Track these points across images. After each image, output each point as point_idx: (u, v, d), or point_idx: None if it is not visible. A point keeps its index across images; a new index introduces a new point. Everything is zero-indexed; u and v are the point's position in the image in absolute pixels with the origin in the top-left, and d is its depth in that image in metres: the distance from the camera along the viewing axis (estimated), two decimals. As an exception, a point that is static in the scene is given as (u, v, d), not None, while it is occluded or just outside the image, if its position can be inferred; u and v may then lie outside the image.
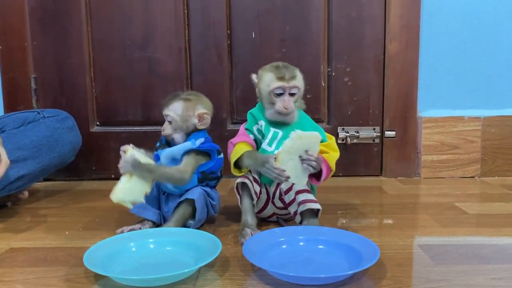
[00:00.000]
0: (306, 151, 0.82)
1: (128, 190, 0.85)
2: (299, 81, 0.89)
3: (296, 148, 0.82)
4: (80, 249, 0.82)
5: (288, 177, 0.82)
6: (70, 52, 1.41)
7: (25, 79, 1.41)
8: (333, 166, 0.88)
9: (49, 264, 0.77)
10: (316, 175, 0.87)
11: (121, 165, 0.87)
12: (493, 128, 1.40)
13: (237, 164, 0.91)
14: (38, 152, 1.12)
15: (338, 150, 0.91)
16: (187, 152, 0.92)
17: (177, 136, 0.94)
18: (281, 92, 0.88)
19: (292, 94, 0.89)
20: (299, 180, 0.84)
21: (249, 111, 0.96)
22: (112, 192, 0.85)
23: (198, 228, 0.89)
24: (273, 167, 0.82)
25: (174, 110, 0.93)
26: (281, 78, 0.88)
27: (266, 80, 0.90)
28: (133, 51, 1.41)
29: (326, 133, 0.92)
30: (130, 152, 0.87)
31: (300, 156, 0.82)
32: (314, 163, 0.82)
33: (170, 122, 0.93)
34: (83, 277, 0.71)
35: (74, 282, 0.69)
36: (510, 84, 1.41)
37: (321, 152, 0.87)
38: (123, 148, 0.89)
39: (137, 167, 0.86)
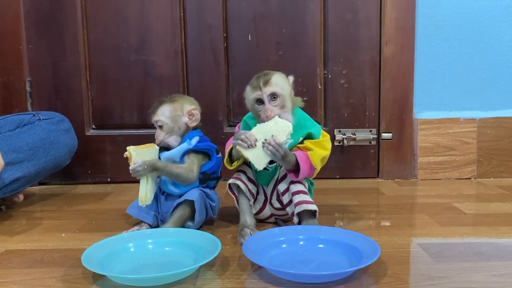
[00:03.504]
0: (272, 135, 0.83)
1: (150, 191, 0.89)
2: (275, 86, 0.86)
3: (266, 129, 0.84)
4: (77, 250, 0.81)
5: (256, 141, 0.83)
6: (65, 55, 1.41)
7: (20, 82, 1.40)
8: (316, 164, 0.87)
9: (46, 265, 0.76)
10: (295, 171, 0.87)
11: (134, 172, 0.87)
12: (488, 130, 1.41)
13: (231, 160, 0.92)
14: (33, 155, 1.10)
15: (329, 148, 0.90)
16: (186, 153, 0.91)
17: (172, 140, 0.94)
18: (260, 100, 0.87)
19: (273, 98, 0.86)
20: (258, 160, 0.84)
21: (243, 118, 0.96)
22: (140, 199, 0.89)
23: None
24: (245, 132, 0.84)
25: (163, 113, 0.93)
26: (255, 88, 0.87)
27: (246, 95, 0.90)
28: (129, 54, 1.41)
29: (322, 131, 0.92)
30: (134, 159, 0.87)
31: (265, 139, 0.83)
32: (270, 147, 0.82)
33: (161, 127, 0.93)
34: (81, 277, 0.70)
35: (72, 282, 0.68)
36: (504, 86, 1.42)
37: (306, 148, 0.87)
38: (125, 153, 0.89)
39: (148, 170, 0.87)
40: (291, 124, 0.84)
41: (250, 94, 0.88)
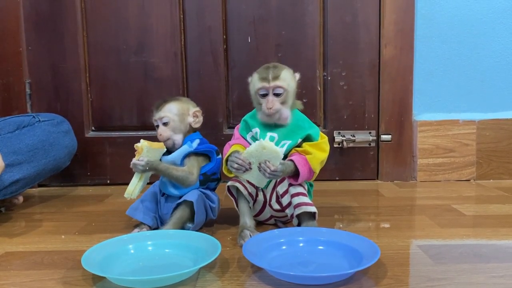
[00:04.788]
0: (266, 161, 0.83)
1: (139, 187, 0.90)
2: (283, 81, 0.88)
3: (257, 155, 0.84)
4: (77, 252, 0.81)
5: (250, 164, 0.84)
6: (65, 57, 1.41)
7: (20, 84, 1.40)
8: (315, 168, 0.87)
9: (45, 267, 0.76)
10: (294, 175, 0.88)
11: (134, 167, 0.88)
12: (487, 131, 1.41)
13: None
14: (33, 156, 1.10)
15: (327, 150, 0.90)
16: (187, 155, 0.91)
17: (177, 138, 0.93)
18: (265, 92, 0.88)
19: (277, 95, 0.88)
20: (258, 180, 0.87)
21: (243, 118, 0.96)
22: (127, 191, 0.88)
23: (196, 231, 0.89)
24: (238, 156, 0.85)
25: (170, 110, 0.93)
26: (263, 79, 0.88)
27: (253, 81, 0.91)
28: (128, 56, 1.41)
29: (320, 133, 0.92)
30: (142, 155, 0.88)
31: (259, 163, 0.84)
32: (267, 174, 0.83)
33: (166, 124, 0.93)
34: (80, 279, 0.70)
35: (72, 284, 0.68)
36: (503, 88, 1.43)
37: (305, 152, 0.88)
38: (137, 145, 0.89)
39: (149, 170, 0.88)
40: (279, 150, 0.84)
41: (256, 83, 0.89)
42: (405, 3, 1.38)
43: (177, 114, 0.93)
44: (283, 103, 0.88)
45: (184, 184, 0.90)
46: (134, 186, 0.88)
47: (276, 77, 0.87)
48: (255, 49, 1.41)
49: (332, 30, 1.41)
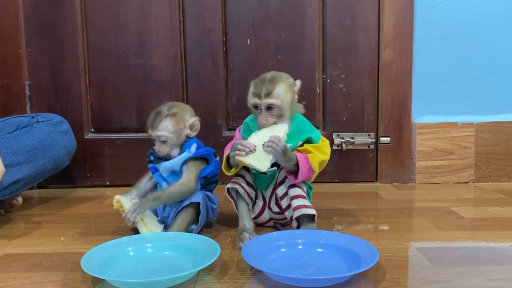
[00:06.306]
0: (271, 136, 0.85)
1: (152, 225, 0.89)
2: (275, 98, 0.86)
3: (262, 136, 0.85)
4: (76, 254, 0.81)
5: (255, 147, 0.84)
6: (65, 58, 1.41)
7: (19, 85, 1.40)
8: (315, 167, 0.87)
9: (45, 269, 0.76)
10: (295, 172, 0.87)
11: (130, 219, 0.86)
12: (486, 134, 1.42)
13: (229, 166, 0.92)
14: (32, 157, 1.11)
15: (328, 153, 0.91)
16: (186, 161, 0.91)
17: (174, 152, 0.93)
18: (258, 107, 0.88)
19: (270, 109, 0.87)
20: (260, 162, 0.84)
21: (244, 120, 0.96)
22: None
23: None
24: (239, 142, 0.86)
25: (166, 128, 0.90)
26: (256, 95, 0.87)
27: (249, 93, 0.91)
28: (128, 58, 1.41)
29: (322, 137, 0.92)
30: (126, 206, 0.88)
31: (264, 142, 0.85)
32: (270, 143, 0.82)
33: (164, 142, 0.91)
34: (80, 281, 0.70)
35: (71, 286, 0.68)
36: (502, 91, 1.43)
37: (306, 151, 0.88)
38: (115, 204, 0.91)
39: (144, 208, 0.87)
40: (286, 125, 0.86)
41: (250, 97, 0.89)
42: (404, 6, 1.39)
43: (174, 132, 0.91)
44: (278, 117, 0.88)
45: (188, 195, 0.89)
46: (148, 230, 0.87)
47: (268, 94, 0.86)
48: (255, 52, 1.41)
49: (331, 33, 1.41)
